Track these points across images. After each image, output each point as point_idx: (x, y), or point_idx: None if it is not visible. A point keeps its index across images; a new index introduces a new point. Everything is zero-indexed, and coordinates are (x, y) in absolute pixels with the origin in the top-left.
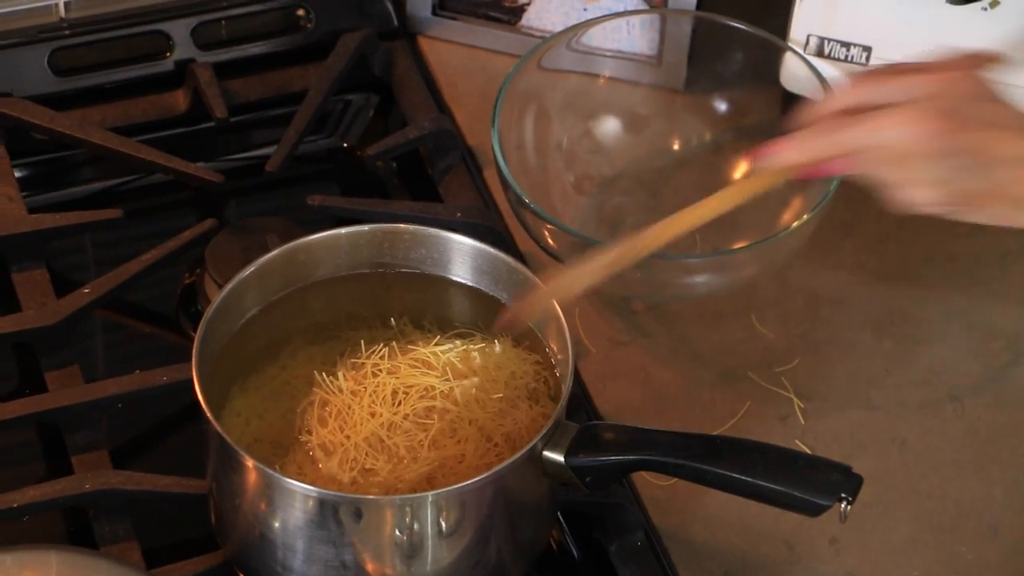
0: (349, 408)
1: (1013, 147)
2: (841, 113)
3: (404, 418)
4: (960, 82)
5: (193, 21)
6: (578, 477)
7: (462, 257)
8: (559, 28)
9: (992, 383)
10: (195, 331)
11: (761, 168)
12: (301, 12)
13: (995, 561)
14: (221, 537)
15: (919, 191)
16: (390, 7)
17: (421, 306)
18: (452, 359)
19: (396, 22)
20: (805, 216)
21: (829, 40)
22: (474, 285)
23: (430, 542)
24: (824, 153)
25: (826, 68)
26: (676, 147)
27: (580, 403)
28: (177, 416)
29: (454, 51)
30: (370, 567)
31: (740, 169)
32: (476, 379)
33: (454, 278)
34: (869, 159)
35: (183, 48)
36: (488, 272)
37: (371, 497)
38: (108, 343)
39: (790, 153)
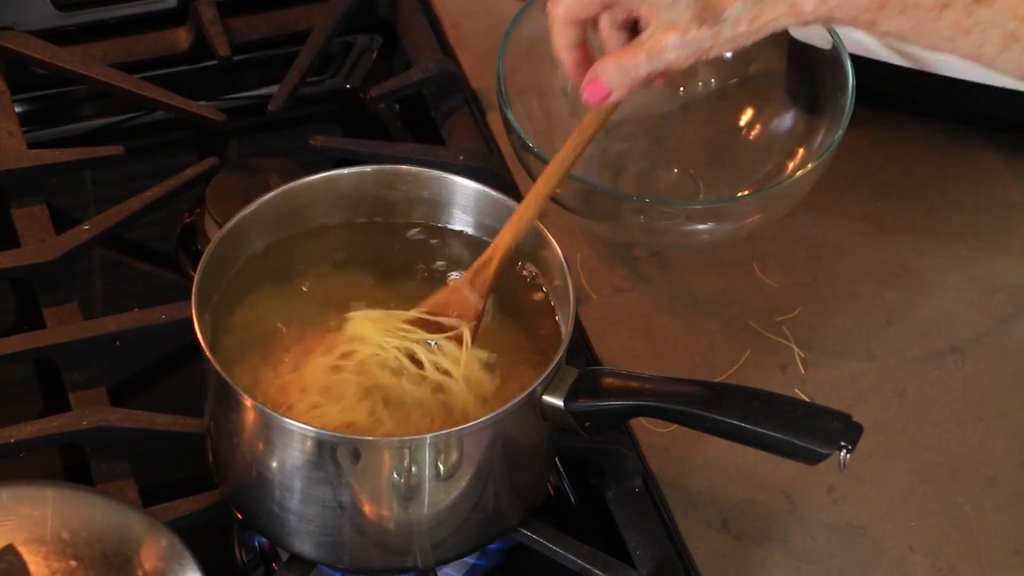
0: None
1: None
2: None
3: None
4: None
5: None
6: (577, 422)
7: (464, 200)
8: None
9: (993, 335)
10: (194, 270)
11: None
12: None
13: (992, 512)
14: (218, 476)
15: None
16: None
17: (425, 258)
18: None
19: None
20: (809, 165)
21: None
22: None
23: (428, 484)
24: (638, 77)
25: None
26: (680, 94)
27: (580, 349)
28: (175, 355)
29: None
30: (367, 508)
31: (745, 116)
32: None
33: (458, 228)
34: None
35: None
36: (490, 215)
37: (369, 438)
38: (107, 281)
39: (616, 91)
